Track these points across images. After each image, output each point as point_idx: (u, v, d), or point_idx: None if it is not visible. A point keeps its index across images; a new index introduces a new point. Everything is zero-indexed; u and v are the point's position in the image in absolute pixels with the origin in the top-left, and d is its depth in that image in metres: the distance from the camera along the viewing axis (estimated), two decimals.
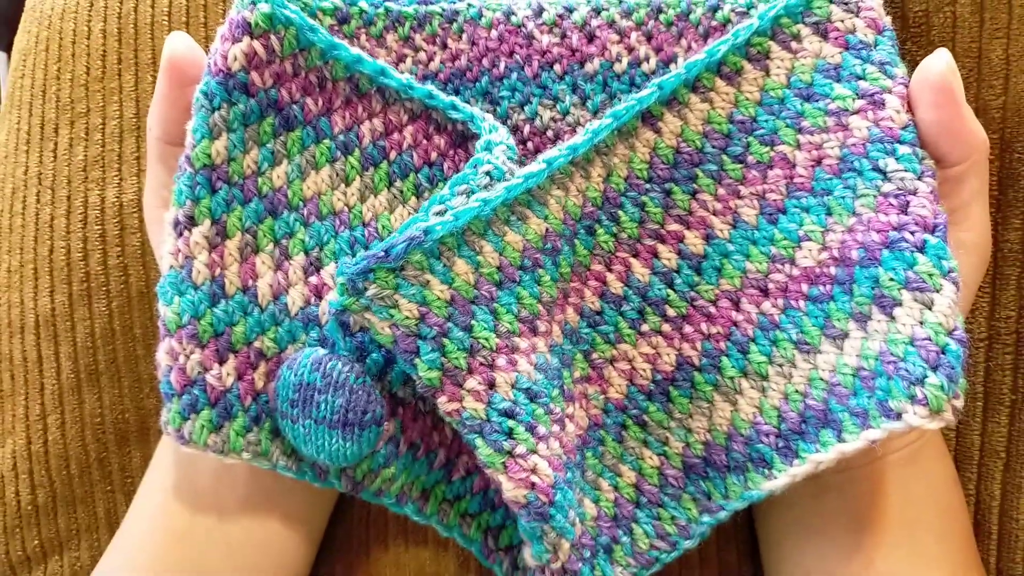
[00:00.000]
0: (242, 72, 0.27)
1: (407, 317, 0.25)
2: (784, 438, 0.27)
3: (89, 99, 0.38)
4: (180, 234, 0.27)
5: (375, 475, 0.29)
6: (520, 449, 0.26)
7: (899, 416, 0.23)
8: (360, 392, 0.27)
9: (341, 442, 0.26)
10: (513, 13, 0.31)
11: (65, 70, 0.38)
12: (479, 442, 0.26)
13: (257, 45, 0.27)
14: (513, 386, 0.26)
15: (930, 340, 0.24)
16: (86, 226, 0.37)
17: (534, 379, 0.27)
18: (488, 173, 0.27)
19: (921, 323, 0.24)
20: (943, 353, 0.23)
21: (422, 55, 0.31)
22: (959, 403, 0.23)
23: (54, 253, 0.38)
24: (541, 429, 0.26)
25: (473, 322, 0.26)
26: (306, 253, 0.29)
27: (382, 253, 0.25)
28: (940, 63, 0.26)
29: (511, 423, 0.26)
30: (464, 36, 0.31)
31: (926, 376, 0.23)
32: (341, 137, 0.29)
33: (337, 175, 0.29)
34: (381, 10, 0.31)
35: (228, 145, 0.27)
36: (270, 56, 0.27)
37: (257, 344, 0.28)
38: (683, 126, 0.29)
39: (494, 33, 0.31)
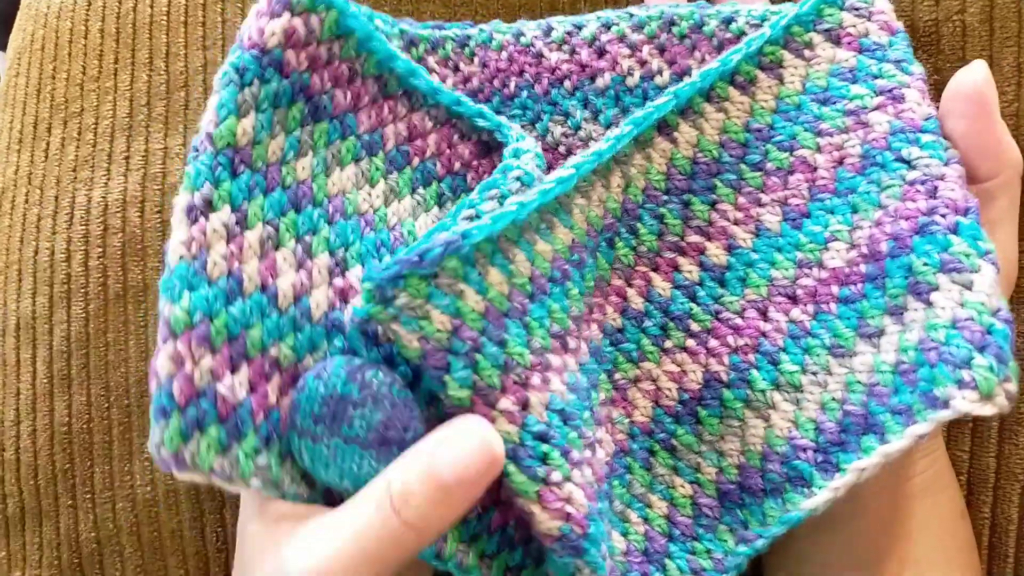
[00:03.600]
0: (278, 49, 0.23)
1: (439, 330, 0.21)
2: (823, 451, 0.24)
3: (83, 99, 0.35)
4: (195, 220, 0.22)
5: None
6: (555, 476, 0.22)
7: (946, 404, 0.20)
8: (402, 407, 0.22)
9: (373, 463, 0.22)
10: (522, 34, 0.29)
11: (61, 69, 0.36)
12: (511, 468, 0.22)
13: (298, 22, 0.23)
14: (547, 407, 0.22)
15: (973, 320, 0.21)
16: (71, 227, 0.34)
17: (567, 399, 0.23)
18: (519, 179, 0.24)
19: (962, 305, 0.21)
20: (988, 333, 0.20)
21: (435, 77, 0.29)
22: (1012, 387, 0.20)
23: (38, 254, 0.35)
24: (575, 454, 0.22)
25: (507, 336, 0.22)
26: (331, 253, 0.24)
27: (416, 258, 0.21)
28: (975, 74, 0.24)
29: (546, 447, 0.22)
30: (476, 59, 0.30)
31: (972, 358, 0.20)
32: (367, 136, 0.26)
33: (362, 175, 0.26)
34: (396, 30, 0.29)
35: (255, 125, 0.23)
36: (309, 37, 0.24)
37: (273, 352, 0.22)
38: (699, 136, 0.27)
39: (504, 55, 0.29)
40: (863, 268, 0.24)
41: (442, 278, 0.21)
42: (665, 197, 0.27)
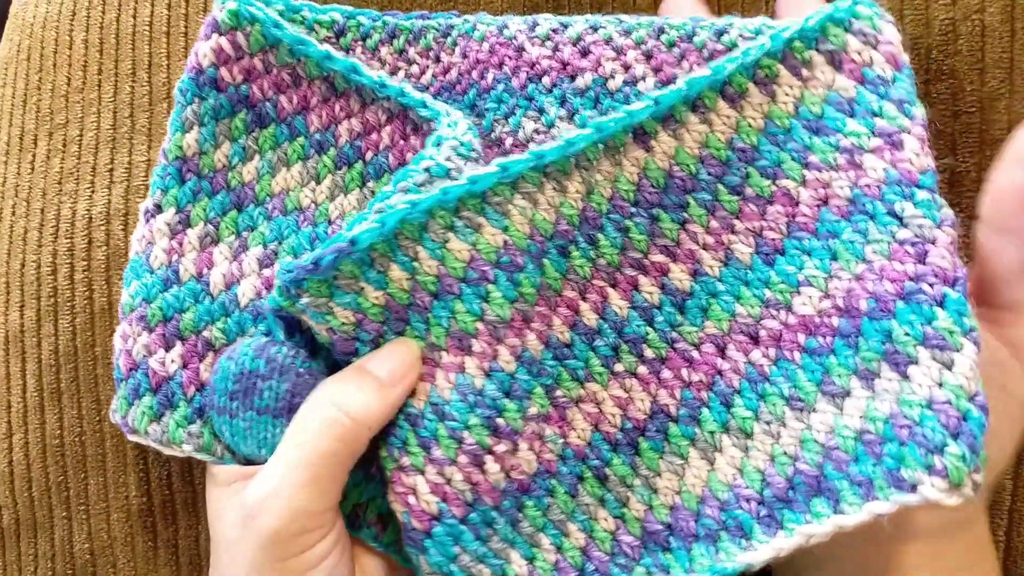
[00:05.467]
0: (212, 68, 0.27)
1: (343, 323, 0.23)
2: (767, 505, 0.22)
3: (68, 110, 0.34)
4: (147, 221, 0.27)
5: None
6: (406, 462, 0.23)
7: (914, 488, 0.19)
8: (307, 376, 0.24)
9: (284, 430, 0.23)
10: (506, 26, 0.28)
11: (46, 80, 0.35)
12: (381, 441, 0.23)
13: (224, 41, 0.27)
14: (427, 397, 0.23)
15: (950, 404, 0.20)
16: (56, 239, 0.33)
17: (447, 399, 0.23)
18: (428, 170, 0.23)
19: (940, 385, 0.20)
20: (964, 420, 0.19)
21: (415, 68, 0.29)
22: (979, 477, 0.19)
23: (25, 267, 0.34)
24: (437, 452, 0.23)
25: (407, 327, 0.23)
26: (264, 246, 0.27)
27: (311, 265, 0.22)
28: None
29: (409, 433, 0.23)
30: (457, 49, 0.28)
31: (946, 444, 0.19)
32: (317, 136, 0.28)
33: (308, 172, 0.28)
34: (379, 23, 0.29)
35: (199, 138, 0.27)
36: (238, 52, 0.27)
37: (206, 333, 0.26)
38: (678, 147, 0.24)
39: (485, 46, 0.28)
40: (835, 322, 0.22)
41: (341, 279, 0.22)
42: (633, 209, 0.25)
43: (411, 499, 0.22)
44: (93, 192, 0.33)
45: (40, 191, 0.34)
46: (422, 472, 0.22)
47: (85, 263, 0.33)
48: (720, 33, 0.25)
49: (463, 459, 0.23)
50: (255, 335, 0.25)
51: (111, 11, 0.34)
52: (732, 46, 0.25)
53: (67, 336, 0.33)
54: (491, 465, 0.23)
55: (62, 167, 0.34)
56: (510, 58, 0.28)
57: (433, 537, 0.22)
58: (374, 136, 0.28)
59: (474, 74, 0.28)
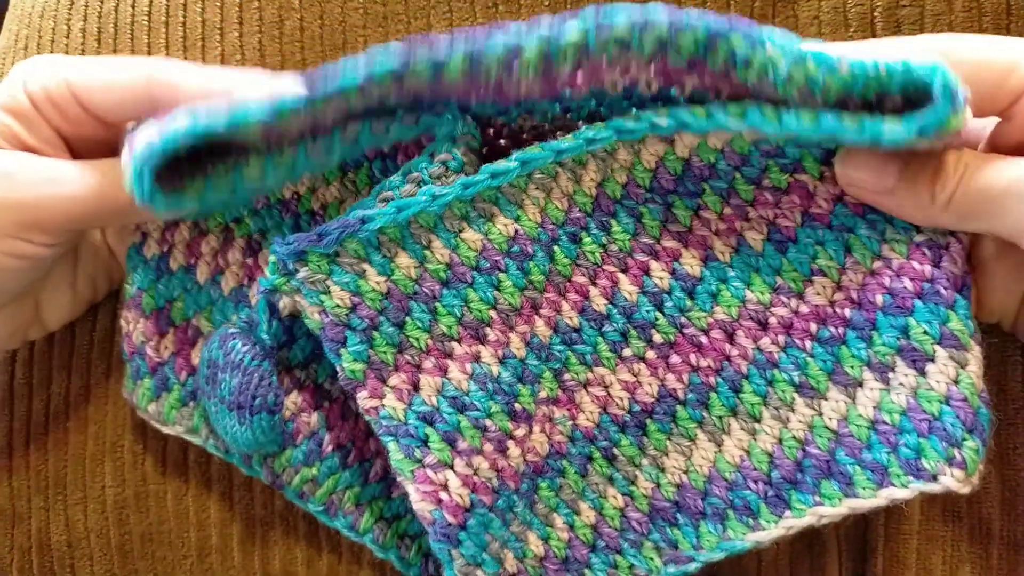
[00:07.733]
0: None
1: (338, 305, 0.22)
2: (775, 486, 0.23)
3: None
4: None
5: (295, 471, 0.26)
6: (431, 459, 0.23)
7: (934, 478, 0.21)
8: (252, 374, 0.24)
9: (237, 425, 0.24)
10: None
11: None
12: (392, 445, 0.23)
13: None
14: (439, 392, 0.23)
15: (967, 402, 0.22)
16: None
17: (465, 389, 0.23)
18: (445, 163, 0.23)
19: (956, 382, 0.22)
20: (977, 416, 0.21)
21: None
22: (983, 468, 0.22)
23: None
24: (463, 444, 0.23)
25: (407, 319, 0.23)
26: (248, 237, 0.27)
27: (315, 236, 0.22)
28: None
29: (428, 430, 0.23)
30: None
31: (964, 439, 0.21)
32: None
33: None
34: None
35: None
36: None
37: (195, 321, 0.27)
38: (700, 142, 0.24)
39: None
40: (848, 313, 0.23)
41: (344, 257, 0.22)
42: (648, 195, 0.25)
43: (442, 495, 0.22)
44: None
45: None
46: (451, 466, 0.23)
47: None
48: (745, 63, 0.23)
49: (488, 447, 0.23)
50: (237, 323, 0.26)
51: (110, 0, 0.34)
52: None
53: None
54: (513, 449, 0.23)
55: None
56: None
57: (467, 529, 0.22)
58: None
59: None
